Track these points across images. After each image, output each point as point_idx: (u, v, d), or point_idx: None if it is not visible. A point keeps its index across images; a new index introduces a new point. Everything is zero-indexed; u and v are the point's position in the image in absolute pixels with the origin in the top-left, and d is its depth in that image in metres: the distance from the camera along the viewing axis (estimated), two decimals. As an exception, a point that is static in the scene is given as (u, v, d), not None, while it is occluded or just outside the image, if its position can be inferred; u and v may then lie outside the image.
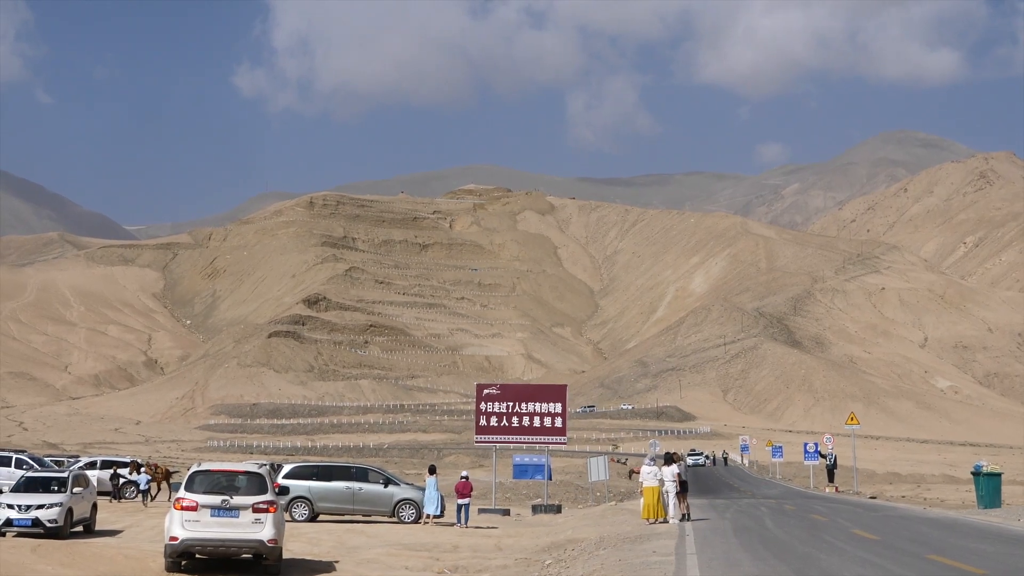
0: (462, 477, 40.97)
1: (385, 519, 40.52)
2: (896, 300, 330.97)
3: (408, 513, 40.04)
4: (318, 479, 40.72)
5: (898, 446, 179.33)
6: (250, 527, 22.86)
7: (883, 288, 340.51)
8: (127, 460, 55.35)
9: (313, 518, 39.72)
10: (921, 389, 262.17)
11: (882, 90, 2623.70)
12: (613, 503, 56.99)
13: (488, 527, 39.74)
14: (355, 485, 40.38)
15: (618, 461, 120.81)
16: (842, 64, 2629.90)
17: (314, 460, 78.76)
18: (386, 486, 40.63)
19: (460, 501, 39.66)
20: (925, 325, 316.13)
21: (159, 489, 51.40)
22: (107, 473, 50.66)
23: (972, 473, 46.30)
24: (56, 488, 31.88)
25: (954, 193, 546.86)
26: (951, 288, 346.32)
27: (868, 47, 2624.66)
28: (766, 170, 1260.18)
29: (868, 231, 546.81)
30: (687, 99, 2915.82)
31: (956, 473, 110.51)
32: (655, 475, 36.51)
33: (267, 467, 26.61)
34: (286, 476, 40.70)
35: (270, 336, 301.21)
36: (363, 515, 40.56)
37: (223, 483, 23.43)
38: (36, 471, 35.76)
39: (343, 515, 40.61)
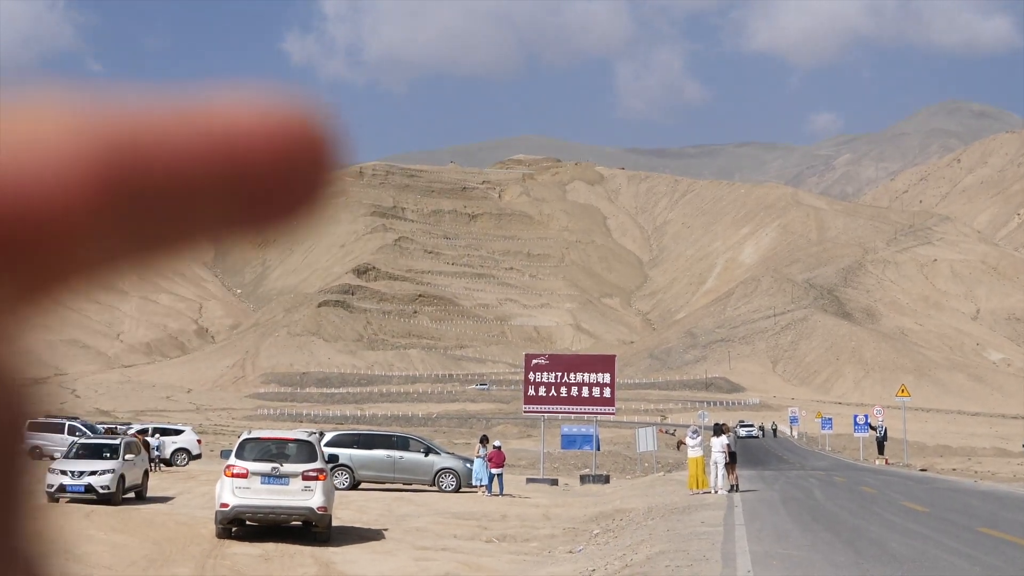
0: (494, 447, 41.08)
1: (426, 487, 40.68)
2: (948, 272, 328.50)
3: (448, 482, 40.13)
4: (359, 447, 40.92)
5: (949, 419, 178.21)
6: (300, 495, 23.00)
7: (935, 260, 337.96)
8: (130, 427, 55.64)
9: (354, 486, 39.90)
10: (973, 361, 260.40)
11: (935, 59, 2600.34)
12: (661, 474, 56.97)
13: (522, 496, 39.83)
14: (396, 454, 40.53)
15: (667, 432, 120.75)
16: (894, 32, 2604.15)
17: (361, 428, 79.41)
18: (427, 455, 40.77)
19: (493, 471, 39.78)
20: (978, 297, 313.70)
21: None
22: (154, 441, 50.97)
23: (1024, 446, 46.06)
24: (108, 455, 32.14)
25: (1008, 164, 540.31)
26: (1004, 260, 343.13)
27: (921, 14, 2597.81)
28: (817, 140, 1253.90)
29: (920, 202, 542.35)
30: (737, 68, 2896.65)
31: (1008, 446, 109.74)
32: (698, 445, 36.83)
33: (316, 435, 26.69)
34: (327, 444, 40.76)
35: (320, 305, 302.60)
36: (403, 483, 40.66)
37: (273, 451, 23.62)
38: (88, 438, 36.05)
39: (383, 483, 40.75)
